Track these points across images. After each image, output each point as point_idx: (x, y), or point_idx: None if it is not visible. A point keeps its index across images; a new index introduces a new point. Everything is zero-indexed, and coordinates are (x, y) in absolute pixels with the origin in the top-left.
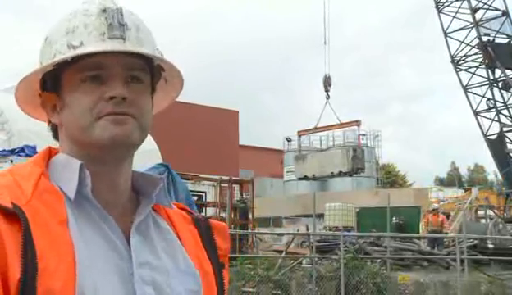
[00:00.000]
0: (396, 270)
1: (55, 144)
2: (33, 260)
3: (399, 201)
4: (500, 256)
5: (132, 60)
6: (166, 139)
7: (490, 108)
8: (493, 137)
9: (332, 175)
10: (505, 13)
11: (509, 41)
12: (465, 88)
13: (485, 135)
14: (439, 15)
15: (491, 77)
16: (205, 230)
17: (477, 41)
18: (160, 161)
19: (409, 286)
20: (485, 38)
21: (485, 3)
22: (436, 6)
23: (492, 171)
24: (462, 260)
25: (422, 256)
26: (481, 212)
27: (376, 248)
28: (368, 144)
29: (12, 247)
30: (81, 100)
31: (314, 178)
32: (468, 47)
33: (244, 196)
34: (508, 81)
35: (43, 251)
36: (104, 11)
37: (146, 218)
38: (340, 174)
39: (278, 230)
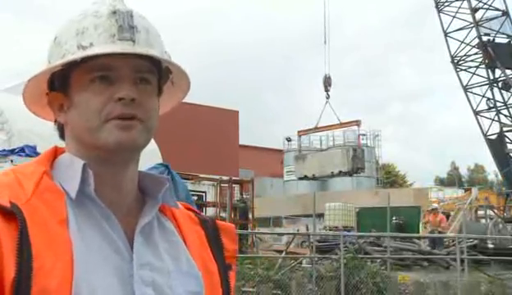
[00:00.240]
0: (396, 269)
1: (61, 144)
2: (28, 260)
3: (399, 201)
4: (500, 255)
5: (141, 62)
6: (166, 139)
7: (490, 108)
8: (493, 137)
9: (332, 175)
10: (505, 13)
11: (509, 41)
12: (465, 88)
13: (485, 135)
14: (439, 15)
15: (491, 77)
16: (212, 231)
17: (477, 41)
18: (160, 160)
19: (409, 286)
20: (485, 38)
21: (485, 3)
22: (436, 6)
23: (492, 171)
24: (462, 260)
25: (423, 256)
26: (481, 212)
27: (376, 248)
28: (368, 144)
29: (9, 245)
30: (90, 100)
31: (314, 178)
32: (468, 47)
33: (244, 196)
34: (508, 81)
35: (39, 250)
36: (114, 12)
37: (151, 219)
38: (340, 173)
39: (278, 230)
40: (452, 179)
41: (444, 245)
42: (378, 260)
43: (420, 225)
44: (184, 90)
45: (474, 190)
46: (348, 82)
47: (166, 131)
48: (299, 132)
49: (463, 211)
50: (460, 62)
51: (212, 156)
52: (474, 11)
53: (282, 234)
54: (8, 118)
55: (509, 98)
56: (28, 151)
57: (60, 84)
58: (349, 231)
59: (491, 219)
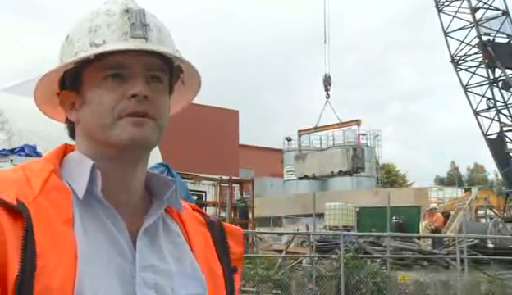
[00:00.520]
0: (396, 269)
1: (71, 142)
2: (32, 258)
3: (399, 201)
4: (500, 255)
5: (153, 60)
6: (166, 139)
7: (490, 108)
8: (493, 136)
9: (332, 175)
10: (505, 12)
11: (510, 40)
12: (465, 88)
13: (485, 135)
14: (439, 15)
15: (491, 77)
16: (218, 234)
17: (477, 40)
18: (160, 160)
19: (409, 285)
20: (485, 38)
21: (485, 3)
22: (436, 6)
23: (492, 171)
24: (462, 260)
25: (422, 256)
26: (481, 212)
27: (376, 248)
28: (368, 144)
29: (13, 243)
30: (103, 97)
31: (314, 177)
32: (468, 47)
33: (244, 195)
34: (508, 81)
35: (43, 248)
36: (127, 11)
37: (156, 220)
38: (341, 173)
39: (278, 230)
40: (452, 179)
41: (444, 245)
42: (378, 260)
43: (420, 225)
44: (194, 90)
45: (474, 190)
46: (348, 82)
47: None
48: (299, 131)
49: (463, 210)
50: (460, 62)
51: (213, 156)
52: (474, 10)
53: (282, 234)
54: (8, 118)
55: (509, 98)
56: (28, 150)
57: (72, 82)
58: (349, 231)
59: (491, 218)
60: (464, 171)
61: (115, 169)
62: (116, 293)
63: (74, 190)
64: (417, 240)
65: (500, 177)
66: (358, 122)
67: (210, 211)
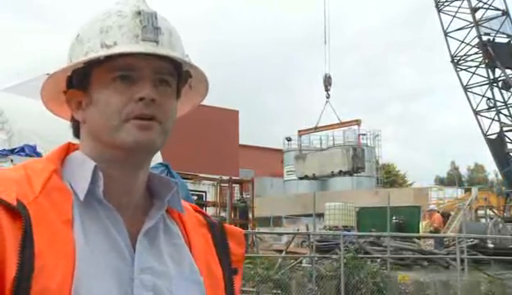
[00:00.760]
0: (396, 269)
1: (74, 140)
2: (30, 259)
3: (399, 201)
4: (500, 255)
5: (162, 63)
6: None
7: (490, 108)
8: (493, 136)
9: (332, 175)
10: (505, 12)
11: (510, 40)
12: (465, 88)
13: (485, 135)
14: (439, 15)
15: (491, 76)
16: (219, 235)
17: (477, 40)
18: (160, 160)
19: (409, 285)
20: (485, 38)
21: (485, 3)
22: (436, 6)
23: (492, 171)
24: (462, 260)
25: (423, 256)
26: (481, 212)
27: (376, 248)
28: (368, 144)
29: (12, 243)
30: (110, 99)
31: (314, 177)
32: (468, 47)
33: (244, 195)
34: (508, 81)
35: (42, 249)
36: (139, 13)
37: (156, 222)
38: (341, 173)
39: (278, 230)
40: (452, 179)
41: (444, 245)
42: (378, 260)
43: (420, 225)
44: (202, 94)
45: (474, 190)
46: (348, 82)
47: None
48: (299, 131)
49: (463, 210)
50: (460, 62)
51: (212, 156)
52: (474, 10)
53: (282, 234)
54: (8, 118)
55: (509, 98)
56: (28, 150)
57: (80, 82)
58: (349, 231)
59: (491, 218)
60: (464, 171)
61: (118, 171)
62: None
63: (75, 191)
64: (417, 240)
65: (500, 177)
66: (358, 122)
67: (210, 211)
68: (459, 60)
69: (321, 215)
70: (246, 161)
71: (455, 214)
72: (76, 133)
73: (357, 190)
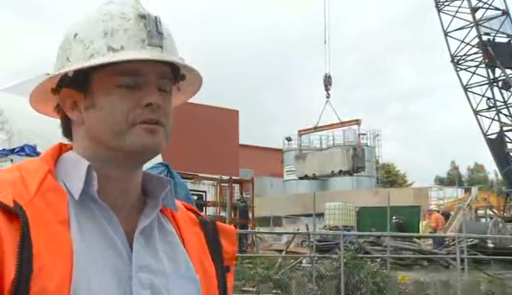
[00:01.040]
0: (396, 269)
1: (63, 140)
2: (28, 260)
3: (399, 201)
4: (500, 255)
5: (165, 69)
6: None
7: (490, 107)
8: (493, 136)
9: (333, 174)
10: (505, 12)
11: (510, 40)
12: (465, 88)
13: (485, 134)
14: (439, 15)
15: (491, 76)
16: (211, 233)
17: (477, 40)
18: (160, 160)
19: (408, 285)
20: (485, 38)
21: (485, 2)
22: (436, 6)
23: (492, 170)
24: (462, 260)
25: (422, 256)
26: (481, 211)
27: (376, 248)
28: (368, 144)
29: (10, 245)
30: (116, 104)
31: (315, 177)
32: (468, 47)
33: (244, 195)
34: (508, 80)
35: (40, 250)
36: (143, 17)
37: (151, 221)
38: (341, 173)
39: (278, 230)
40: (452, 179)
41: (444, 245)
42: (378, 260)
43: (420, 225)
44: (188, 96)
45: (474, 190)
46: (347, 82)
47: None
48: (299, 131)
49: (463, 210)
50: (460, 62)
51: (212, 156)
52: (474, 10)
53: (282, 234)
54: (8, 117)
55: (509, 98)
56: (28, 150)
57: (78, 82)
58: (349, 231)
59: (491, 218)
60: (464, 171)
61: (115, 171)
62: (113, 294)
63: (69, 190)
64: (417, 240)
65: (500, 177)
66: (358, 122)
67: (210, 210)
68: (459, 60)
69: (321, 215)
70: (246, 160)
71: (455, 214)
72: (67, 133)
73: (357, 190)
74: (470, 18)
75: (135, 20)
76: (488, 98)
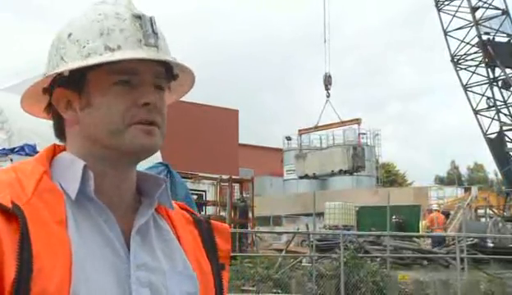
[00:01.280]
0: (396, 268)
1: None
2: (28, 261)
3: (398, 200)
4: (499, 254)
5: (160, 68)
6: (165, 138)
7: (490, 107)
8: (493, 136)
9: (333, 173)
10: (505, 12)
11: (509, 40)
12: (465, 87)
13: (485, 134)
14: (439, 14)
15: (491, 76)
16: (206, 231)
17: (477, 40)
18: (160, 159)
19: (408, 285)
20: (485, 37)
21: (485, 2)
22: (436, 5)
23: (492, 170)
24: (462, 259)
25: (422, 255)
26: (481, 211)
27: (376, 247)
28: (368, 143)
29: (9, 246)
30: (112, 103)
31: (315, 176)
32: (468, 46)
33: (244, 195)
34: (508, 80)
35: (39, 251)
36: (139, 17)
37: (147, 219)
38: (341, 172)
39: (278, 229)
40: (452, 178)
41: (443, 244)
42: (378, 259)
43: (420, 224)
44: (180, 94)
45: (474, 189)
46: (347, 81)
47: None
48: (299, 131)
49: (462, 209)
50: (460, 61)
51: (212, 155)
52: (474, 10)
53: (282, 233)
54: (8, 117)
55: (508, 97)
56: (28, 150)
57: (73, 82)
58: (348, 230)
59: (491, 218)
60: (463, 170)
61: (113, 170)
62: (112, 293)
63: (66, 191)
64: (416, 239)
65: (500, 176)
66: (358, 121)
67: (210, 210)
68: (459, 59)
69: (321, 215)
70: (246, 160)
71: (455, 213)
72: (59, 133)
73: (357, 189)
74: (470, 17)
75: (131, 20)
76: (488, 98)
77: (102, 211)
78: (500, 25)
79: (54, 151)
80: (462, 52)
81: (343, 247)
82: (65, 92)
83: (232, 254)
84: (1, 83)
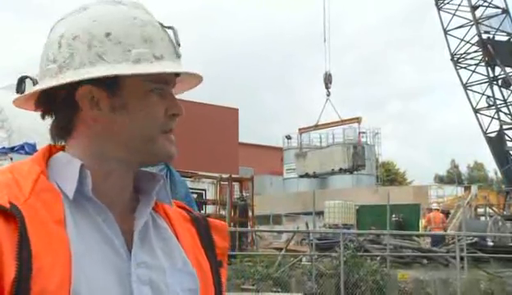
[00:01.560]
0: (396, 267)
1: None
2: (28, 260)
3: (398, 199)
4: (499, 253)
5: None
6: None
7: (489, 106)
8: (493, 134)
9: (333, 172)
10: (505, 11)
11: (509, 38)
12: (465, 86)
13: (485, 133)
14: (439, 13)
15: (491, 75)
16: (203, 229)
17: (476, 38)
18: None
19: (408, 283)
20: (485, 36)
21: (485, 1)
22: (436, 4)
23: (492, 169)
24: (461, 258)
25: (422, 254)
26: (481, 210)
27: (375, 246)
28: (368, 142)
29: (8, 246)
30: (150, 110)
31: (315, 175)
32: (468, 45)
33: (243, 193)
34: (508, 79)
35: (38, 250)
36: (169, 27)
37: (147, 217)
38: (341, 171)
39: (278, 228)
40: (452, 177)
41: (443, 243)
42: (378, 258)
43: (420, 223)
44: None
45: (474, 188)
46: (347, 80)
47: None
48: (300, 129)
49: (462, 208)
50: (460, 60)
51: (212, 154)
52: (474, 8)
53: (282, 232)
54: (8, 116)
55: (508, 96)
56: (28, 148)
57: (101, 80)
58: (348, 229)
59: (491, 216)
60: (463, 169)
61: (120, 171)
62: (113, 291)
63: (63, 190)
64: (416, 238)
65: (499, 175)
66: (358, 120)
67: (210, 209)
68: (459, 58)
69: (321, 213)
70: (246, 159)
71: (455, 212)
72: (65, 132)
73: (357, 188)
74: (470, 16)
75: (163, 30)
76: (488, 97)
77: (100, 210)
78: (500, 24)
79: (50, 151)
80: (462, 51)
81: (343, 245)
82: (92, 89)
83: (232, 253)
84: (1, 81)
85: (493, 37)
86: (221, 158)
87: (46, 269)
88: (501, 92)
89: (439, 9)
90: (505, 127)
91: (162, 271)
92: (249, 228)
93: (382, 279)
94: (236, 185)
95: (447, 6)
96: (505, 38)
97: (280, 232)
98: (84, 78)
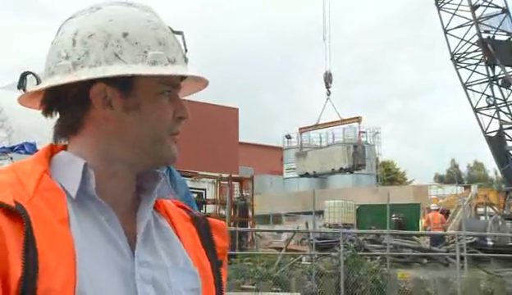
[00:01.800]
0: (396, 267)
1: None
2: (34, 259)
3: (398, 199)
4: (499, 253)
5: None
6: None
7: (489, 105)
8: (493, 134)
9: (333, 172)
10: (505, 10)
11: (509, 38)
12: (465, 86)
13: (485, 132)
14: (439, 12)
15: (491, 74)
16: (203, 228)
17: (476, 38)
18: None
19: (408, 283)
20: (485, 36)
21: (485, 0)
22: (436, 3)
23: (492, 169)
24: (461, 258)
25: (422, 254)
26: (480, 209)
27: (375, 245)
28: (368, 141)
29: (14, 245)
30: (161, 112)
31: (315, 175)
32: (468, 45)
33: (243, 193)
34: (508, 78)
35: (43, 250)
36: (179, 32)
37: (150, 217)
38: (341, 170)
39: (278, 227)
40: (452, 177)
41: (443, 242)
42: (378, 258)
43: (420, 223)
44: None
45: (473, 187)
46: (347, 79)
47: None
48: (300, 129)
49: (462, 208)
50: (460, 59)
51: (212, 154)
52: (474, 8)
53: (282, 232)
54: (8, 115)
55: (508, 96)
56: (27, 148)
57: (116, 78)
58: (348, 228)
59: (491, 216)
60: (463, 169)
61: (126, 171)
62: (119, 291)
63: (66, 189)
64: (416, 238)
65: (499, 175)
66: (358, 119)
67: (210, 208)
68: (459, 57)
69: (320, 213)
70: (246, 158)
71: (455, 211)
72: (71, 131)
73: (357, 188)
74: (470, 16)
75: (173, 34)
76: (488, 96)
77: (104, 209)
78: (500, 24)
79: (52, 150)
80: (462, 51)
81: (343, 245)
82: (105, 87)
83: (232, 252)
84: (1, 81)
85: (493, 36)
86: (221, 158)
87: (51, 268)
88: (501, 91)
89: (439, 8)
90: (504, 126)
91: (165, 271)
92: (249, 227)
93: (382, 279)
94: (236, 185)
95: (447, 5)
96: (504, 38)
97: (280, 231)
98: (101, 76)
